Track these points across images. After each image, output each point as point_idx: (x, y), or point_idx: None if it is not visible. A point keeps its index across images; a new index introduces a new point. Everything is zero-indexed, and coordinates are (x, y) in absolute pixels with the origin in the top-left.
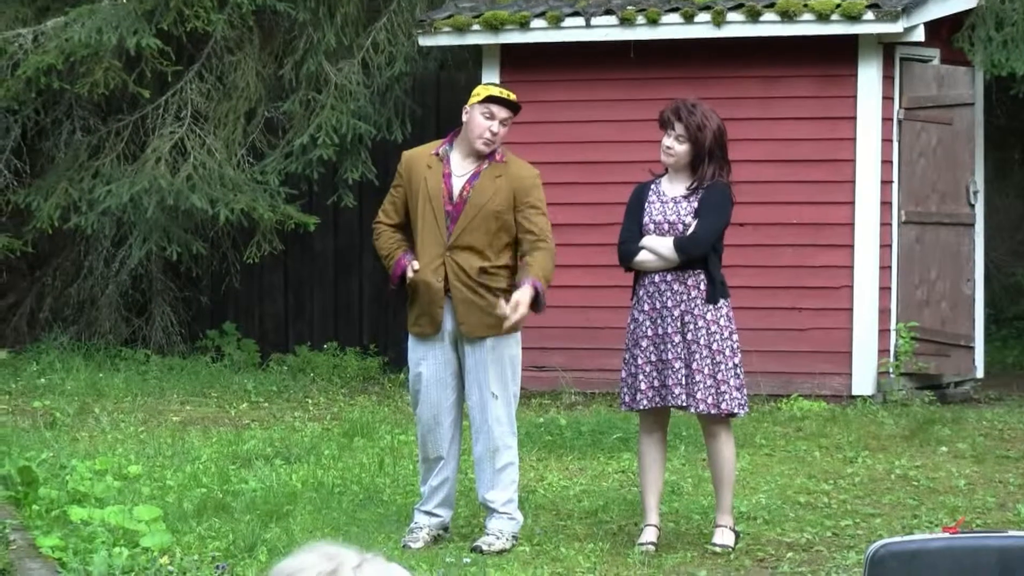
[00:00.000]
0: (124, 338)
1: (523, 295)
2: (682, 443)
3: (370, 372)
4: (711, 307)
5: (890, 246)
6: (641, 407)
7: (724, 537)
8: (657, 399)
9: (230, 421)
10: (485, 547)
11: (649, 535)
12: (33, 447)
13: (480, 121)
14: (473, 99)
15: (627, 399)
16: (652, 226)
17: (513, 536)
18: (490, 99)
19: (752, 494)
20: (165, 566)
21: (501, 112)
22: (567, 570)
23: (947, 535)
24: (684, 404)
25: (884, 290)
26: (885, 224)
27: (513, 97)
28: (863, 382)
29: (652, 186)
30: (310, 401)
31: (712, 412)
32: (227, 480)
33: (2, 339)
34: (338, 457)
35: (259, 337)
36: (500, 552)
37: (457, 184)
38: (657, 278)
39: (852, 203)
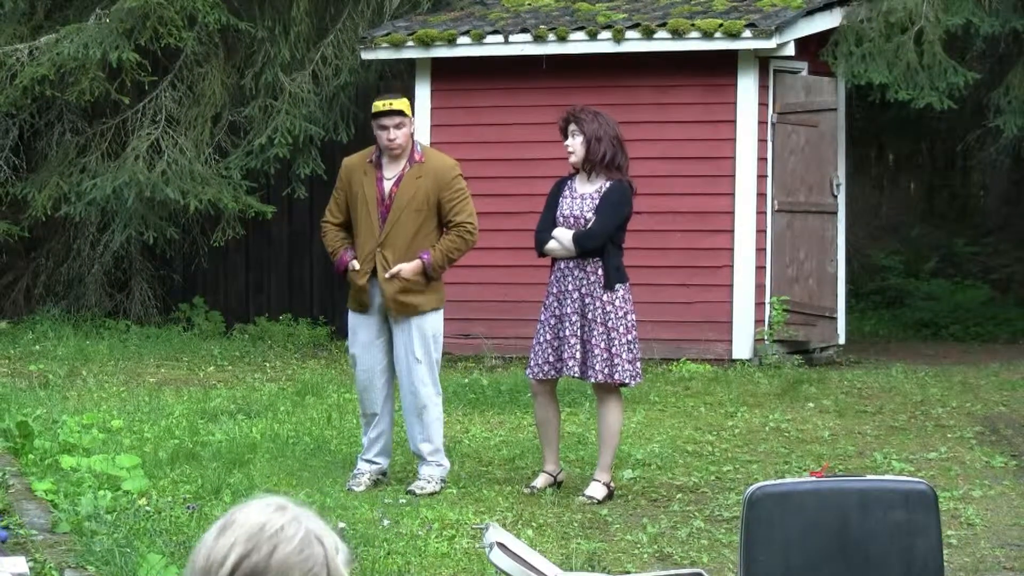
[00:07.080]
0: (108, 310)
1: (407, 265)
2: (587, 400)
3: (319, 340)
4: (607, 292)
5: (765, 231)
6: (539, 377)
7: (594, 490)
8: (552, 372)
9: (199, 382)
10: (418, 490)
11: (538, 480)
12: (29, 404)
13: (379, 135)
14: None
15: (533, 366)
16: (562, 219)
17: (442, 480)
18: (374, 115)
19: (647, 444)
20: (143, 507)
21: (391, 120)
22: (488, 509)
23: (814, 479)
24: (577, 375)
25: (759, 269)
26: (760, 212)
27: (388, 105)
28: (742, 347)
29: (568, 182)
30: (268, 365)
31: (607, 381)
32: (196, 432)
33: (2, 311)
34: (292, 413)
35: (224, 309)
36: (431, 494)
37: (387, 187)
38: (563, 264)
39: (732, 194)
